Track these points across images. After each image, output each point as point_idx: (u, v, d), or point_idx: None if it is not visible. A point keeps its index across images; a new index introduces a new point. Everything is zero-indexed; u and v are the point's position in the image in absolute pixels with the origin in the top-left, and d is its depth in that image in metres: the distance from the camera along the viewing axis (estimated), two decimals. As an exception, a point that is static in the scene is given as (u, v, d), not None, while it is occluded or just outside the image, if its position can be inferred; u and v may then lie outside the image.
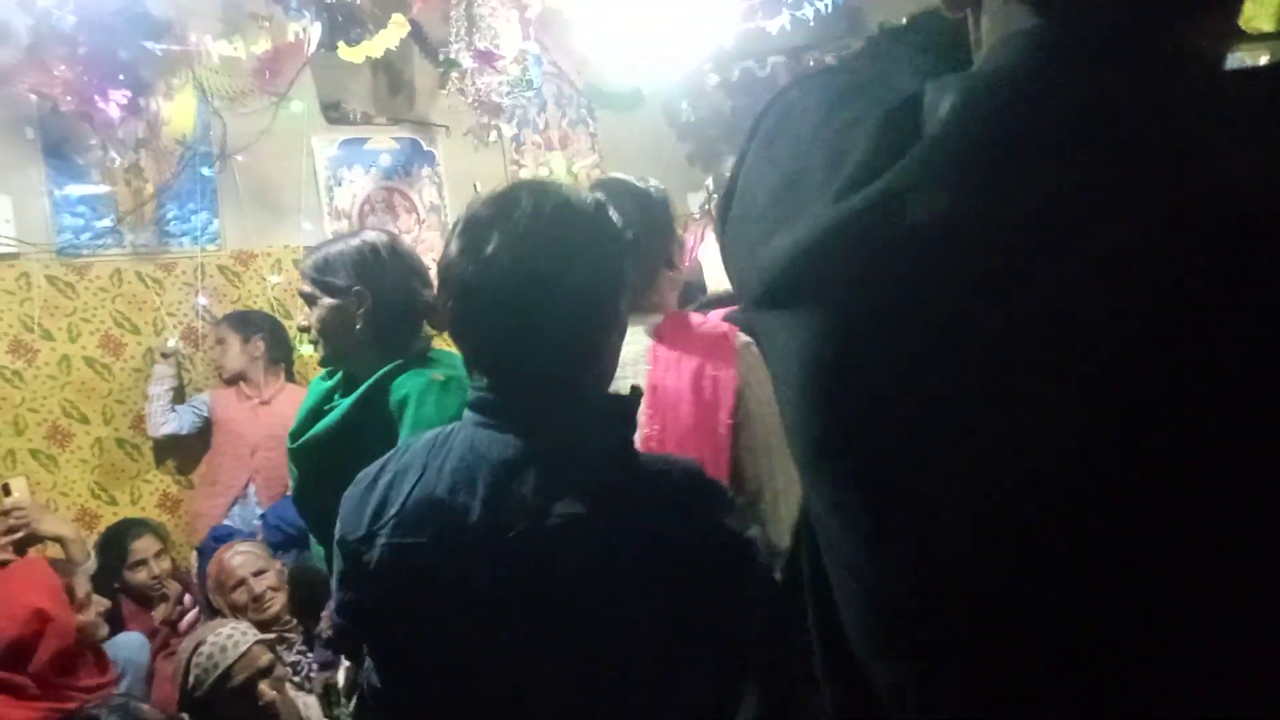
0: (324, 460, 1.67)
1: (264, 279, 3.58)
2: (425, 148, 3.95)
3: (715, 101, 4.27)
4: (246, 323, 3.36)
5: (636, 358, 1.57)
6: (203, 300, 3.45)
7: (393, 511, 1.04)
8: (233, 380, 3.34)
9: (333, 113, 3.73)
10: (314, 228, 3.60)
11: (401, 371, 1.63)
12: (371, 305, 1.68)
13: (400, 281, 1.71)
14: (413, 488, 1.04)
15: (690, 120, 4.37)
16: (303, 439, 1.70)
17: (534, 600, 0.98)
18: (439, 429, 1.12)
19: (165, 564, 3.05)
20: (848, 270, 0.56)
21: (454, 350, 1.75)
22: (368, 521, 1.06)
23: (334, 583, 1.17)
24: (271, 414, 3.26)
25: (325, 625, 1.62)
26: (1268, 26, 3.36)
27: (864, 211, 0.55)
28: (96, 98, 2.93)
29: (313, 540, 1.98)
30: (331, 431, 1.65)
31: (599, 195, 1.11)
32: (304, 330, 1.75)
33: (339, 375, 1.80)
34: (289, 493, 3.18)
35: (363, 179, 3.80)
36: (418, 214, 3.93)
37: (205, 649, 2.15)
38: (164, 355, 3.34)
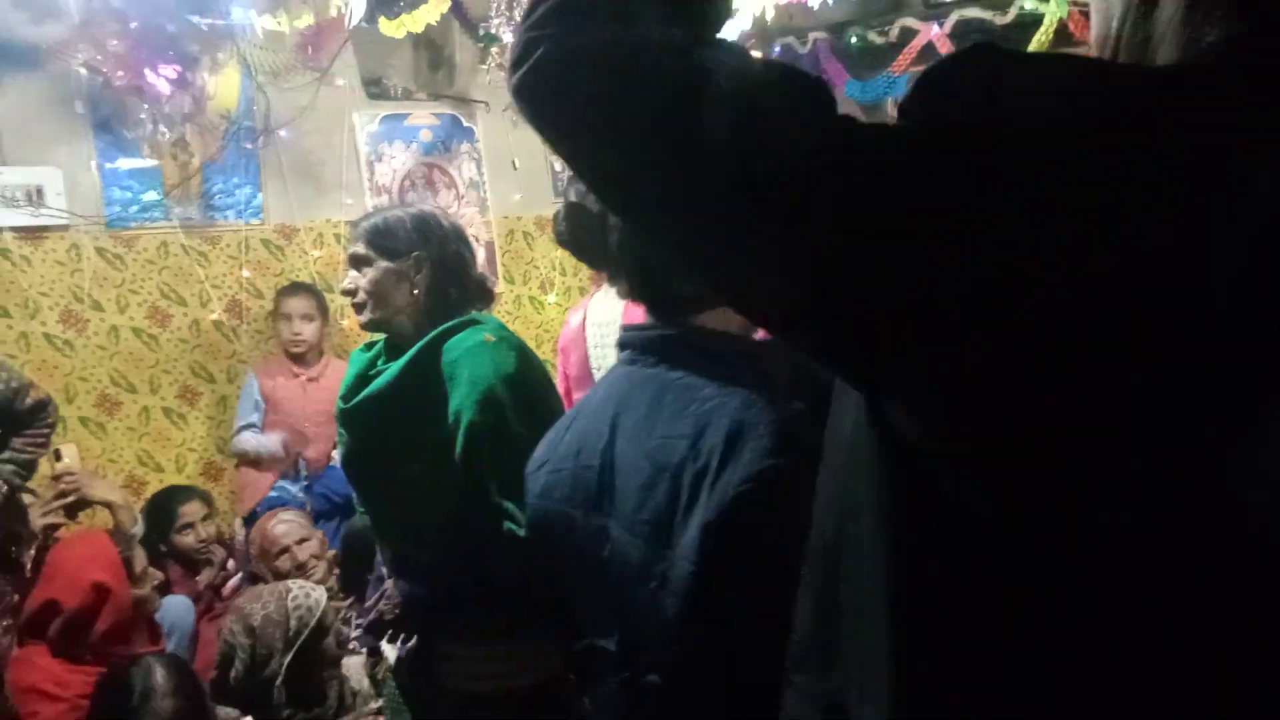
0: (374, 423, 1.70)
1: (306, 253, 3.63)
2: (465, 124, 3.97)
3: (754, 78, 4.23)
4: (320, 297, 3.36)
5: (616, 317, 1.75)
6: (246, 273, 3.50)
7: (556, 446, 1.20)
8: (294, 356, 3.35)
9: (374, 88, 3.76)
10: (355, 203, 3.64)
11: (452, 334, 1.65)
12: (430, 270, 1.70)
13: (456, 250, 1.75)
14: (570, 423, 1.20)
15: (729, 97, 4.34)
16: (354, 400, 1.72)
17: (638, 526, 1.05)
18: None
19: (211, 529, 3.13)
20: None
21: (496, 317, 1.78)
22: (541, 455, 1.22)
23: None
24: (320, 389, 3.29)
25: (388, 607, 1.65)
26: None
27: None
28: (147, 72, 2.98)
29: (358, 508, 2.01)
30: (383, 393, 1.67)
31: None
32: (348, 294, 1.75)
33: (379, 344, 1.82)
34: (333, 463, 3.25)
35: (403, 155, 3.83)
36: (457, 190, 3.95)
37: (297, 600, 2.24)
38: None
